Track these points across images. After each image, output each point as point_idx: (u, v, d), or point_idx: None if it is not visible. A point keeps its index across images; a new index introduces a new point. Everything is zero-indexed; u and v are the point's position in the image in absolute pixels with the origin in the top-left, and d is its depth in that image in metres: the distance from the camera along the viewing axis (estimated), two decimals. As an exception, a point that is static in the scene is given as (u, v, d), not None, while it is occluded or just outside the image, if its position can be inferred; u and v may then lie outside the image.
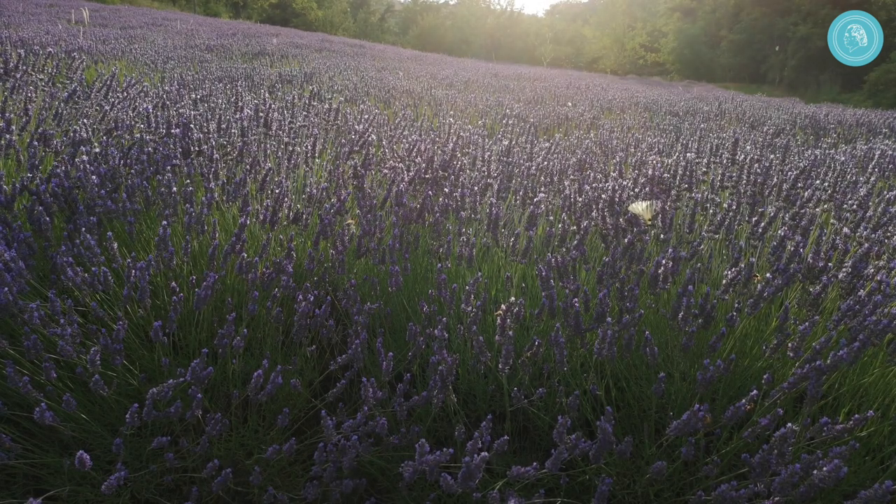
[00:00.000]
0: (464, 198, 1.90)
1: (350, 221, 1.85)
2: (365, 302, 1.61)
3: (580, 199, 1.94)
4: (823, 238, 1.60)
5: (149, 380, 1.36)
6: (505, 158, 2.48)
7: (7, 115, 2.03)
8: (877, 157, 3.00)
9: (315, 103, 3.13)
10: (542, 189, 2.29)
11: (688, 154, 2.47)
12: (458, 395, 1.48)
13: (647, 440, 1.31)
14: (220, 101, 3.19)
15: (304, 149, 2.25)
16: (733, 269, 1.45)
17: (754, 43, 27.55)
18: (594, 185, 2.07)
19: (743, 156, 2.39)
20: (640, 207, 1.73)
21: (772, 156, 2.73)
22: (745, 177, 2.14)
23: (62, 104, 2.41)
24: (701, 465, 1.20)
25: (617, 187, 1.82)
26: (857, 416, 1.06)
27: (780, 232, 1.57)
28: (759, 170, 2.11)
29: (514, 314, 1.28)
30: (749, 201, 2.07)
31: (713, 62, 30.32)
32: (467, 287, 1.42)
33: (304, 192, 1.97)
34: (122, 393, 1.30)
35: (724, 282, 1.46)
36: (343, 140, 2.51)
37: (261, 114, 2.45)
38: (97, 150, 1.89)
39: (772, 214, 1.74)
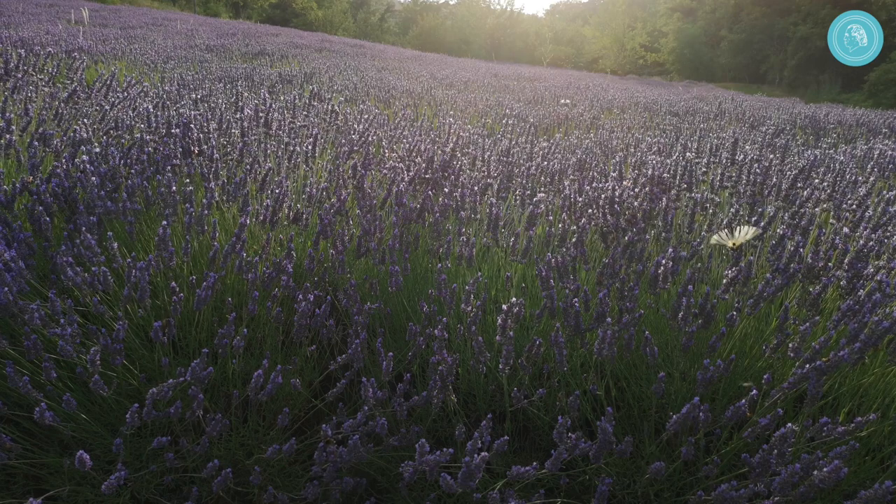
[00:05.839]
0: (464, 198, 1.90)
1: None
2: (365, 302, 1.61)
3: (580, 199, 1.94)
4: (823, 238, 1.60)
5: (149, 380, 1.36)
6: (505, 158, 2.48)
7: (7, 115, 2.03)
8: (876, 156, 3.00)
9: (315, 103, 3.13)
10: (542, 189, 2.29)
11: (687, 154, 2.47)
12: (458, 395, 1.48)
13: (647, 440, 1.31)
14: (220, 101, 3.19)
15: (304, 149, 2.25)
16: (733, 269, 1.45)
17: (754, 43, 27.56)
18: (594, 184, 2.07)
19: (742, 156, 2.39)
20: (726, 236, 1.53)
21: (771, 155, 2.73)
22: (744, 177, 2.14)
23: (62, 104, 2.41)
24: (701, 465, 1.20)
25: (617, 187, 1.83)
26: (858, 418, 1.06)
27: (779, 231, 1.57)
28: (758, 169, 2.11)
29: (514, 314, 1.28)
30: (748, 201, 2.07)
31: (713, 62, 30.34)
32: (467, 287, 1.42)
33: (304, 192, 1.97)
34: (122, 393, 1.30)
35: (724, 281, 1.46)
36: (343, 140, 2.51)
37: (261, 114, 2.45)
38: (97, 149, 1.89)
39: (771, 214, 1.74)
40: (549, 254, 1.56)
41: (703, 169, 2.43)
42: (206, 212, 1.63)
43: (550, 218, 2.09)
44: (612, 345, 1.26)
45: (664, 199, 1.85)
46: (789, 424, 0.99)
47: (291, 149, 2.21)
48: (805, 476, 0.93)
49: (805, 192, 2.04)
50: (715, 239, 1.55)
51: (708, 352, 1.31)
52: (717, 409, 1.39)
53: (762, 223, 1.71)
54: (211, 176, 1.93)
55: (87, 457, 0.97)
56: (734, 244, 1.50)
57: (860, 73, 20.87)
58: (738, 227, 1.55)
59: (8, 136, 1.93)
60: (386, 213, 1.95)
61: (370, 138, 2.41)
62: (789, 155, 3.39)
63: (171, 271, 1.59)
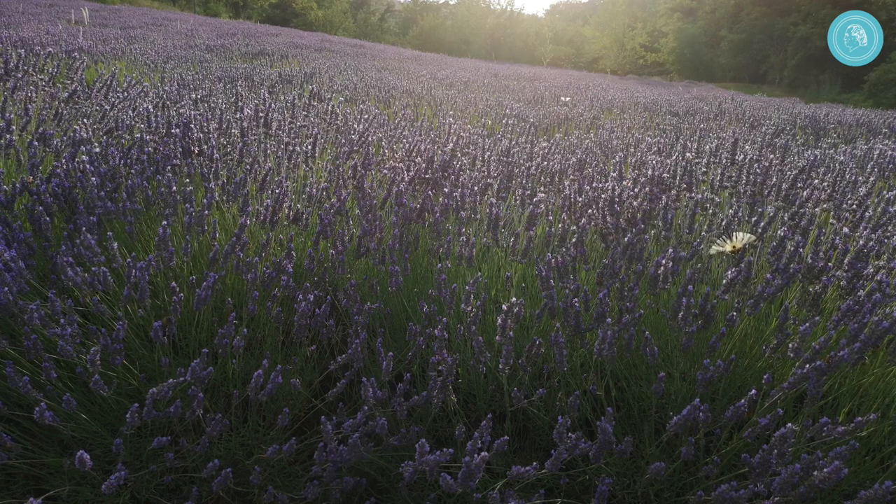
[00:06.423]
0: (464, 198, 1.90)
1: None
2: (365, 302, 1.61)
3: (580, 199, 1.94)
4: (823, 238, 1.60)
5: (149, 380, 1.36)
6: (505, 158, 2.48)
7: (7, 115, 2.03)
8: (876, 156, 3.00)
9: (315, 103, 3.13)
10: (542, 189, 2.29)
11: (687, 154, 2.46)
12: (458, 395, 1.48)
13: (647, 440, 1.31)
14: (220, 101, 3.19)
15: (304, 149, 2.25)
16: (733, 270, 1.45)
17: (754, 43, 27.58)
18: (594, 184, 2.07)
19: (742, 156, 2.39)
20: (725, 245, 1.56)
21: (771, 156, 2.73)
22: (744, 177, 2.14)
23: (62, 104, 2.41)
24: (701, 465, 1.20)
25: (617, 187, 1.83)
26: (858, 418, 1.06)
27: (779, 232, 1.57)
28: (758, 169, 2.11)
29: (514, 314, 1.28)
30: (748, 201, 2.07)
31: (713, 62, 30.35)
32: (467, 287, 1.42)
33: (304, 192, 1.97)
34: (122, 393, 1.30)
35: (724, 282, 1.46)
36: (343, 140, 2.51)
37: (261, 114, 2.45)
38: (97, 149, 1.89)
39: (771, 214, 1.74)
40: (549, 254, 1.56)
41: (703, 169, 2.43)
42: (206, 212, 1.63)
43: (550, 218, 2.09)
44: (612, 345, 1.26)
45: (664, 199, 1.85)
46: (789, 424, 0.99)
47: (291, 149, 2.21)
48: (805, 476, 0.93)
49: (805, 193, 2.04)
50: (714, 248, 1.58)
51: (708, 352, 1.31)
52: (717, 409, 1.39)
53: (762, 223, 1.71)
54: (211, 176, 1.92)
55: (87, 457, 0.97)
56: (734, 247, 1.53)
57: (860, 73, 20.87)
58: (734, 233, 1.58)
59: (8, 135, 1.93)
60: (386, 213, 1.95)
61: (370, 138, 2.41)
62: (789, 155, 3.39)
63: (171, 271, 1.59)
